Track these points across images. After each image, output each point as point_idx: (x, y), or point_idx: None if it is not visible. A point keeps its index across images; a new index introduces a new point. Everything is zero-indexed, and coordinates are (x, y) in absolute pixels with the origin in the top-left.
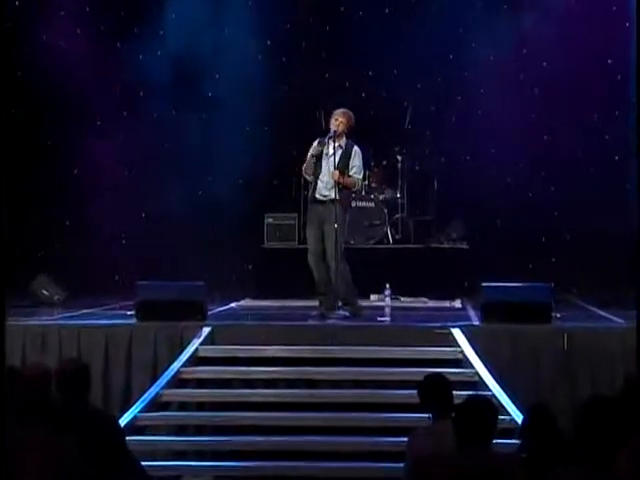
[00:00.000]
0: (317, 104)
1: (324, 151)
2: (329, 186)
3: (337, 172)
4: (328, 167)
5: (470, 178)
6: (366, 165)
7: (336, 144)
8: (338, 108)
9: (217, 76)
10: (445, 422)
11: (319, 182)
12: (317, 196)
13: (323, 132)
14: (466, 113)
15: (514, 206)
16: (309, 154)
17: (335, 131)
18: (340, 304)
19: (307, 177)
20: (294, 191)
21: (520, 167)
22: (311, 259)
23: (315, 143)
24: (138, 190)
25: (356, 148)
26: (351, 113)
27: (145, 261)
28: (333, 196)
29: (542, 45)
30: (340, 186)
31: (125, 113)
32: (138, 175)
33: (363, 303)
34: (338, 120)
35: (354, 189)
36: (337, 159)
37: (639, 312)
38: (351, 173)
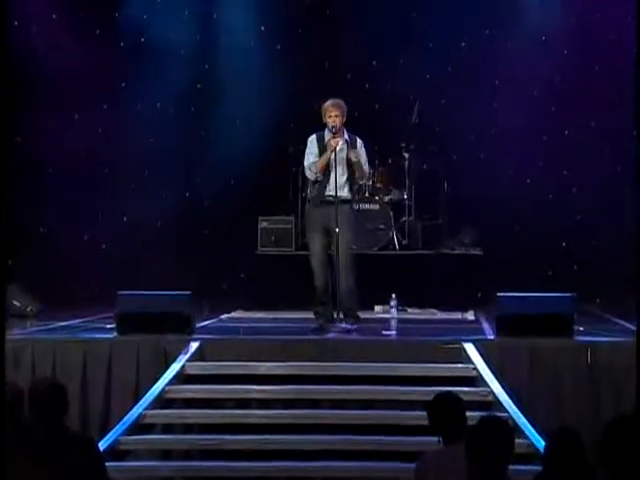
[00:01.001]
0: (316, 96)
1: (329, 149)
2: (340, 185)
3: (336, 138)
4: (337, 164)
5: (484, 178)
6: (370, 164)
7: (342, 139)
8: (327, 100)
9: (206, 66)
10: (456, 446)
11: (330, 181)
12: (326, 196)
13: (320, 127)
14: (479, 107)
15: (533, 208)
16: (307, 151)
17: (334, 127)
18: (341, 315)
19: (311, 176)
20: (291, 192)
21: (540, 166)
22: (315, 264)
23: (313, 139)
24: (119, 191)
25: (359, 140)
26: (342, 102)
27: (126, 269)
28: (345, 195)
29: (562, 32)
30: (351, 166)
31: (105, 106)
32: (118, 175)
33: (366, 315)
34: (332, 115)
35: (361, 181)
36: (345, 153)
37: (639, 318)
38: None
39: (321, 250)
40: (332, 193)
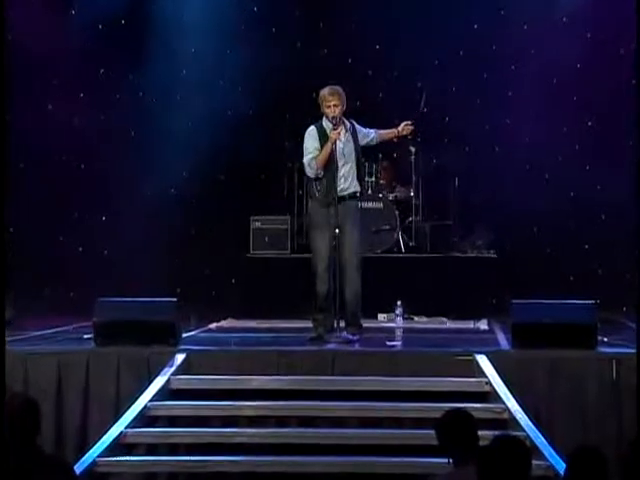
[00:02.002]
0: (314, 84)
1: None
2: (347, 180)
3: (337, 129)
4: (341, 157)
5: (499, 173)
6: (373, 159)
7: (343, 129)
8: (324, 88)
9: (193, 50)
10: (468, 468)
11: (336, 177)
12: (334, 195)
13: (314, 118)
14: (494, 95)
15: (552, 207)
16: (306, 146)
17: (335, 118)
18: (341, 324)
19: (311, 173)
20: (286, 189)
21: (559, 161)
22: (320, 267)
23: (312, 132)
24: (97, 187)
25: (355, 124)
26: (341, 89)
27: (105, 273)
28: (353, 189)
29: (585, 12)
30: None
31: (82, 94)
32: (96, 170)
33: (369, 324)
34: (331, 104)
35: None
36: (352, 142)
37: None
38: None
39: (327, 251)
40: (340, 189)
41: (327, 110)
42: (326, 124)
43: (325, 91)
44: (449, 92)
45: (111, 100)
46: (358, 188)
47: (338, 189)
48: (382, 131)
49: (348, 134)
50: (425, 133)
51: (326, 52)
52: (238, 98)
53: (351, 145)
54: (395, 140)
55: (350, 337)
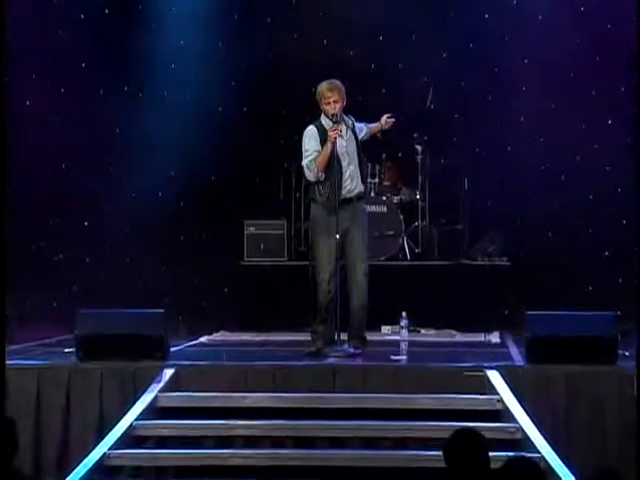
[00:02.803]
0: (312, 78)
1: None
2: (352, 181)
3: (336, 128)
4: (344, 157)
5: (512, 174)
6: (376, 159)
7: (345, 127)
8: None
9: (182, 42)
10: None
11: (340, 180)
12: (339, 199)
13: (313, 115)
14: (506, 90)
15: (569, 211)
16: (305, 147)
17: (335, 115)
18: (342, 337)
19: (312, 177)
20: (282, 191)
21: (577, 161)
22: (324, 274)
23: (312, 132)
24: (79, 189)
25: (352, 119)
26: (340, 83)
27: (88, 283)
28: (359, 190)
29: (605, 1)
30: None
31: (62, 89)
32: (78, 169)
33: (373, 337)
34: (331, 101)
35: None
36: (354, 139)
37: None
38: (364, 133)
39: (332, 259)
40: (346, 191)
41: (326, 107)
42: (326, 122)
43: (323, 87)
44: (458, 87)
45: (94, 96)
46: (363, 188)
47: (344, 191)
48: (371, 125)
49: (349, 131)
50: (432, 131)
51: (325, 43)
52: (230, 94)
53: (353, 143)
54: (379, 136)
55: (352, 351)
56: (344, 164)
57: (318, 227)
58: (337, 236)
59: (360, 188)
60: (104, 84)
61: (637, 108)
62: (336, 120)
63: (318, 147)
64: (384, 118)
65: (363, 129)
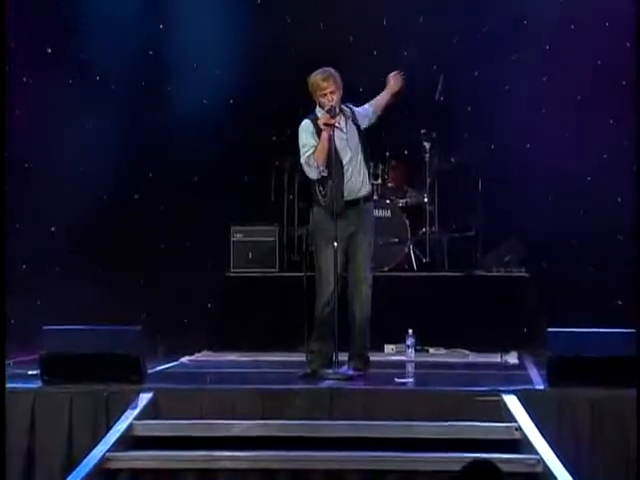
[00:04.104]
0: (308, 67)
1: (335, 132)
2: (359, 178)
3: (329, 121)
4: (346, 154)
5: (531, 175)
6: (379, 157)
7: (343, 118)
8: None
9: (161, 26)
10: None
11: (343, 179)
12: (344, 201)
13: (308, 108)
14: (525, 80)
15: (596, 216)
16: (302, 143)
17: (333, 107)
18: (340, 357)
19: (313, 174)
20: (274, 193)
21: (604, 159)
22: (325, 286)
23: (307, 126)
24: (42, 192)
25: (352, 107)
26: (334, 71)
27: (54, 296)
28: (366, 191)
29: None
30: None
31: (24, 78)
32: (41, 169)
33: (375, 357)
34: (327, 92)
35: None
36: (356, 131)
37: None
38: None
39: (334, 269)
40: (350, 191)
41: (322, 100)
42: (322, 115)
43: (317, 77)
44: (471, 76)
45: (61, 86)
46: (371, 189)
47: (347, 191)
48: (378, 98)
49: (350, 122)
50: (442, 126)
51: (322, 27)
52: (216, 84)
53: (356, 135)
54: (392, 102)
55: (351, 373)
56: (345, 160)
57: (320, 233)
58: (335, 244)
59: (368, 187)
60: (72, 72)
61: (637, 114)
62: (334, 113)
63: (316, 141)
64: (391, 77)
65: (368, 112)
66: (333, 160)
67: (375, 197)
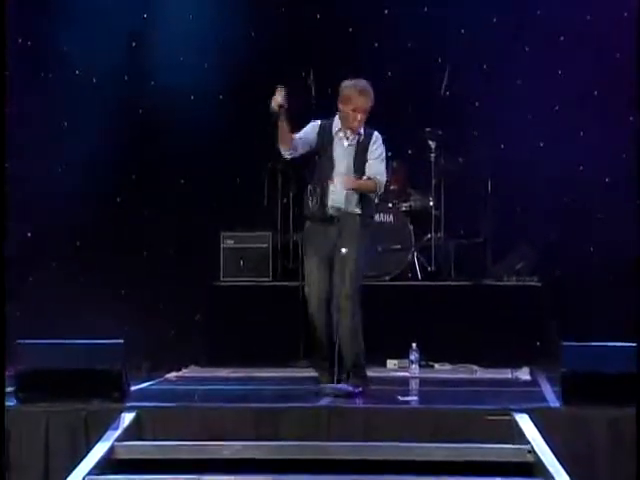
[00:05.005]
0: (303, 59)
1: (334, 144)
2: (344, 195)
3: (351, 178)
4: (339, 165)
5: (545, 176)
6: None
7: (352, 135)
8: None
9: (145, 15)
10: None
11: (330, 190)
12: (328, 210)
13: (316, 108)
14: (537, 74)
15: (614, 220)
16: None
17: (352, 130)
18: (336, 374)
19: (283, 152)
20: (267, 197)
21: (623, 159)
22: (314, 306)
23: (316, 125)
24: (18, 195)
25: (376, 134)
26: (370, 90)
27: (29, 307)
28: (352, 209)
29: None
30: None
31: (6, 72)
32: (19, 169)
33: (376, 373)
34: (360, 110)
35: (377, 193)
36: (354, 153)
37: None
38: (370, 172)
39: (322, 284)
40: (336, 205)
41: (349, 113)
42: (336, 124)
43: (358, 87)
44: (479, 70)
45: (38, 80)
46: (359, 210)
47: (335, 206)
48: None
49: (353, 146)
50: (449, 123)
51: (319, 17)
52: (204, 78)
53: (351, 159)
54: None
55: (350, 389)
56: (332, 176)
57: (306, 244)
58: (341, 250)
59: (353, 207)
60: (51, 66)
61: (637, 111)
62: (355, 136)
63: (312, 135)
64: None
65: (378, 154)
66: (325, 165)
67: (376, 201)
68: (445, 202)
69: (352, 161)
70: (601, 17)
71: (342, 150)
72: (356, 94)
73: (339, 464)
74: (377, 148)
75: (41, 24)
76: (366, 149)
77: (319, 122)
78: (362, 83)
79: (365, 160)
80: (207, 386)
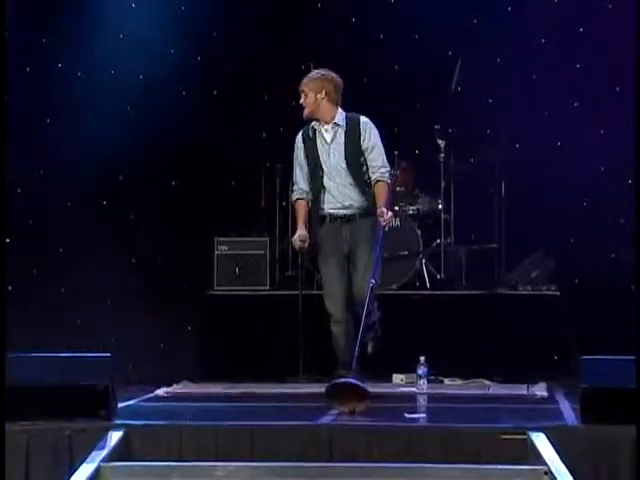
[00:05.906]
0: (303, 52)
1: (318, 142)
2: (345, 196)
3: (384, 212)
4: (336, 165)
5: (563, 177)
6: (388, 159)
7: (328, 126)
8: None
9: (132, 4)
10: None
11: (326, 192)
12: (330, 211)
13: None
14: (555, 68)
15: (636, 225)
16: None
17: (325, 120)
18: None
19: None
20: (264, 199)
21: None
22: (334, 309)
23: (298, 140)
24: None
25: (363, 119)
26: (326, 74)
27: (9, 316)
28: (357, 206)
29: None
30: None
31: None
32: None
33: (381, 388)
34: (302, 94)
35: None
36: (343, 148)
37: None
38: (373, 165)
39: (340, 289)
40: (336, 205)
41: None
42: (316, 125)
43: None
44: (493, 64)
45: (18, 74)
46: (366, 203)
47: (335, 206)
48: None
49: (342, 133)
50: (459, 121)
51: (319, 7)
52: (196, 72)
53: (342, 154)
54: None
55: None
56: (329, 177)
57: (321, 249)
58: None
59: (361, 202)
60: (31, 59)
61: (636, 110)
62: (307, 119)
63: (301, 158)
64: (384, 216)
65: (373, 142)
66: (319, 172)
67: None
68: (455, 205)
69: (343, 154)
70: (624, 5)
71: (326, 148)
72: (302, 84)
73: None
74: (369, 135)
75: (24, 16)
76: (356, 138)
77: (300, 134)
78: (315, 72)
79: (359, 149)
80: (199, 403)
